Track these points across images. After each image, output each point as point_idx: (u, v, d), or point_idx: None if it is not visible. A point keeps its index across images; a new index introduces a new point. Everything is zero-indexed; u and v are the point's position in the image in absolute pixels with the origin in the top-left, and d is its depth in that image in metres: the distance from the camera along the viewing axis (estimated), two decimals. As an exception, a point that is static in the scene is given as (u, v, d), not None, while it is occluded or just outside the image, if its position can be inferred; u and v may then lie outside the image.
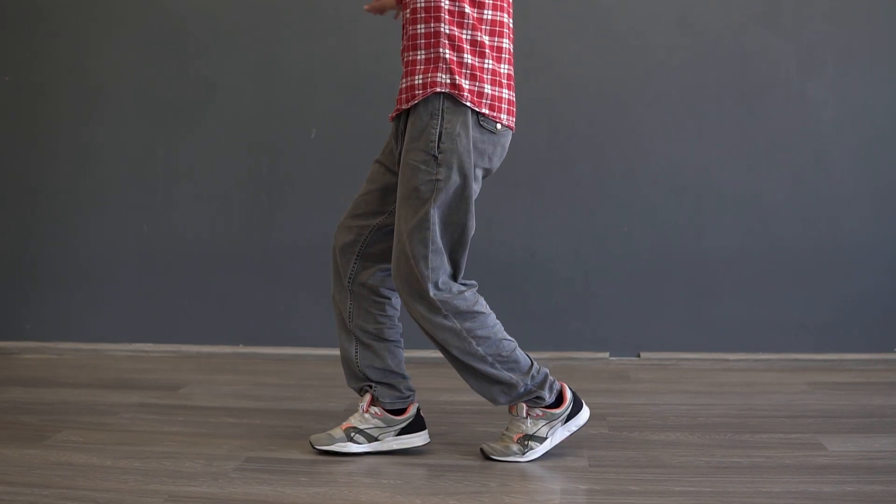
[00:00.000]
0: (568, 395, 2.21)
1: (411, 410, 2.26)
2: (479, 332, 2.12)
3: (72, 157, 3.60)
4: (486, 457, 2.24)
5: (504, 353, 2.15)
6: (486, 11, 2.08)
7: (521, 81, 3.24)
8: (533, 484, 2.06)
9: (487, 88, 2.07)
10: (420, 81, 2.06)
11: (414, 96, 2.07)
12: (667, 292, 3.37)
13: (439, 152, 2.04)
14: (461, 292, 2.12)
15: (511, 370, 2.16)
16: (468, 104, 2.05)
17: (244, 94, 3.51)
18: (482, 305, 2.15)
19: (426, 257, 2.07)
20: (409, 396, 2.27)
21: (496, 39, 2.10)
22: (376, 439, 2.25)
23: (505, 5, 2.13)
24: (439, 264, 2.08)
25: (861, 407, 2.70)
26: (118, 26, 3.55)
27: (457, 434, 2.46)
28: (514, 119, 2.16)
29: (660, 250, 3.37)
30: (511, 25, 2.17)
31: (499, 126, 2.10)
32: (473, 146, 2.06)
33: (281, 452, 2.29)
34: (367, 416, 2.25)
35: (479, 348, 2.13)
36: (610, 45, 3.37)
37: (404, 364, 2.30)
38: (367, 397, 2.26)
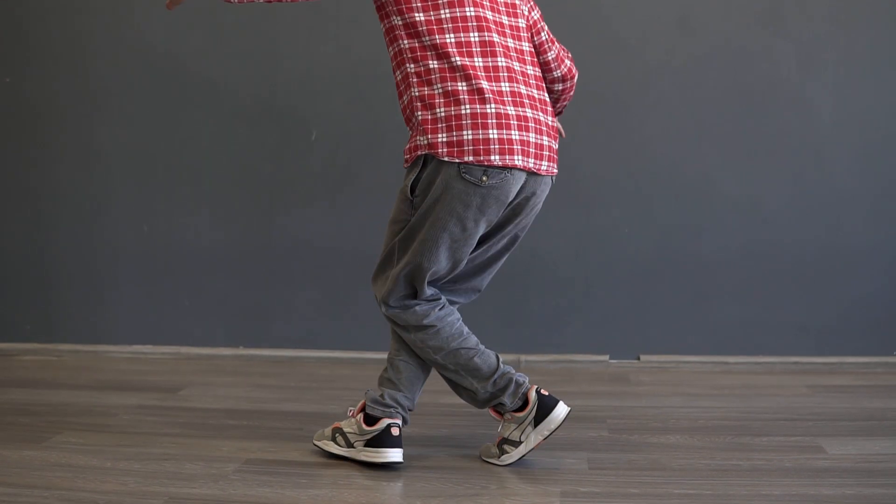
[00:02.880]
0: (532, 397, 2.17)
1: (380, 424, 2.18)
2: (431, 343, 2.20)
3: (72, 158, 3.60)
4: (480, 457, 2.27)
5: (461, 362, 2.19)
6: (454, 59, 2.06)
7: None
8: (533, 486, 2.06)
9: (468, 134, 2.02)
10: (407, 148, 2.12)
11: (406, 162, 2.13)
12: (667, 295, 3.37)
13: (414, 196, 2.11)
14: (411, 307, 2.20)
15: (473, 376, 2.20)
16: (446, 159, 2.03)
17: (245, 95, 3.51)
18: (435, 318, 2.19)
19: (380, 278, 2.22)
20: (389, 408, 2.20)
21: (474, 83, 2.05)
22: (352, 445, 2.24)
23: (478, 50, 2.08)
24: (391, 287, 2.19)
25: (861, 410, 2.70)
26: (118, 27, 3.55)
27: (457, 436, 2.47)
28: (515, 157, 2.05)
29: (660, 252, 3.37)
30: (499, 64, 2.09)
31: (485, 177, 2.03)
32: (456, 198, 2.06)
33: (281, 454, 2.29)
34: (352, 420, 2.26)
35: (436, 357, 2.21)
36: (610, 46, 3.37)
37: (411, 385, 2.25)
38: (360, 402, 2.27)
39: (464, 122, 2.03)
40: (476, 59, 2.07)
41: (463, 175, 2.04)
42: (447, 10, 2.09)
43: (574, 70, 2.38)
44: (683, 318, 3.38)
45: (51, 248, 3.62)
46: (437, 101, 2.05)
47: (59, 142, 3.60)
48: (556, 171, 2.22)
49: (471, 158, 2.02)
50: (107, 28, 3.55)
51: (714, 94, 3.34)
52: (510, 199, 2.12)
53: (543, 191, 2.21)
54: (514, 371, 2.21)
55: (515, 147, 2.06)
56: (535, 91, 2.16)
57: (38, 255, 3.63)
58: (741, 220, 3.35)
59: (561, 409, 2.17)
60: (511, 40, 2.15)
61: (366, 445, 2.19)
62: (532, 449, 2.17)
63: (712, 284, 3.36)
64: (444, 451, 2.33)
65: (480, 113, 2.03)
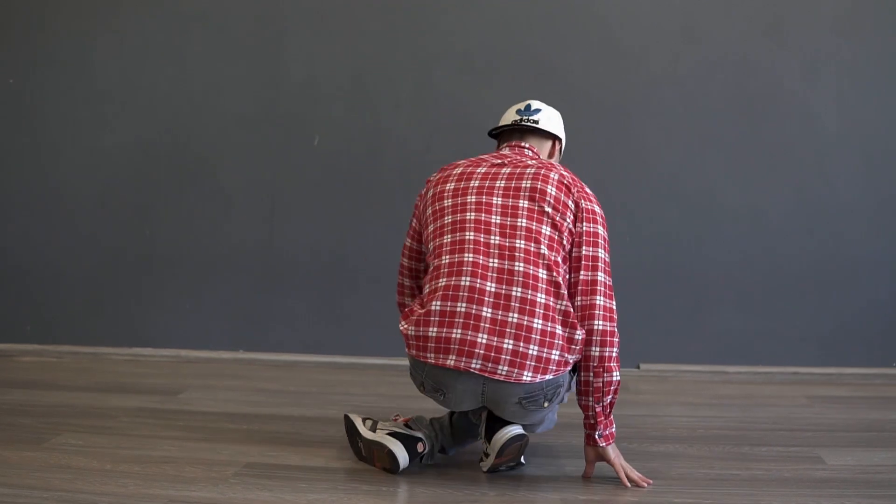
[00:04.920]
0: (483, 415, 2.22)
1: (415, 433, 2.22)
2: None
3: (73, 160, 3.61)
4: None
5: None
6: (428, 266, 2.15)
7: (523, 89, 3.25)
8: (532, 493, 2.06)
9: (412, 330, 2.08)
10: None
11: None
12: (667, 304, 3.38)
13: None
14: None
15: None
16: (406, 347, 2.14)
17: (247, 99, 3.52)
18: None
19: None
20: (432, 433, 2.26)
21: (432, 283, 2.10)
22: (374, 430, 2.27)
23: (448, 249, 2.10)
24: None
25: (860, 421, 2.71)
26: (121, 30, 3.56)
27: (456, 442, 2.47)
28: (450, 357, 2.01)
29: (660, 261, 3.38)
30: (464, 259, 2.06)
31: (423, 387, 2.14)
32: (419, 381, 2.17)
33: (280, 458, 2.29)
34: (392, 420, 2.33)
35: None
36: (613, 55, 3.38)
37: (456, 432, 2.28)
38: (412, 416, 2.33)
39: (415, 317, 2.09)
40: (444, 258, 2.11)
41: (412, 373, 2.16)
42: (431, 225, 2.19)
43: (596, 327, 2.09)
44: (684, 327, 3.38)
45: (52, 250, 3.63)
46: (415, 299, 2.21)
47: (60, 143, 3.61)
48: (526, 378, 2.00)
49: (414, 352, 2.09)
50: (109, 30, 3.57)
51: (717, 104, 3.35)
52: (477, 399, 2.09)
53: (515, 400, 2.05)
54: None
55: (453, 346, 2.01)
56: (514, 289, 2.02)
57: (39, 256, 3.64)
58: (742, 229, 3.35)
59: (505, 430, 2.13)
60: (496, 237, 2.09)
61: (388, 434, 2.22)
62: (500, 462, 2.16)
63: (713, 294, 3.37)
64: (444, 456, 2.33)
65: (428, 311, 2.06)
